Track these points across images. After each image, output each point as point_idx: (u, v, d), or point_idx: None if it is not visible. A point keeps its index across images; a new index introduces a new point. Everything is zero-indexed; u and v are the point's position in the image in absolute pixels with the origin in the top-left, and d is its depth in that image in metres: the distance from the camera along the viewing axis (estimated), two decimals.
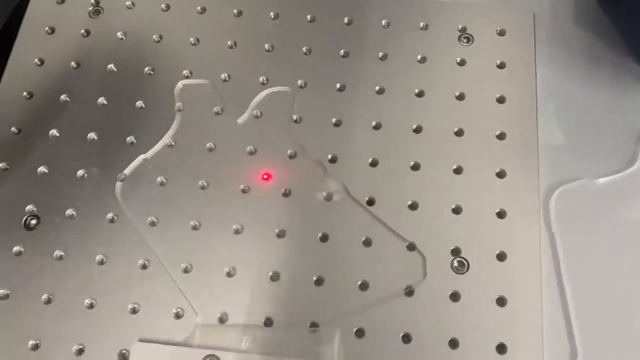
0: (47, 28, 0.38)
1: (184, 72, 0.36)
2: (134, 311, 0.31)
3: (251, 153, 0.34)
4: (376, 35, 0.37)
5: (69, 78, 0.37)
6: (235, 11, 0.38)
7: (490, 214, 0.33)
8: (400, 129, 0.35)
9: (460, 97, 0.35)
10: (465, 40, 0.37)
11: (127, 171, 0.34)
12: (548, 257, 0.33)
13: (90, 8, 0.38)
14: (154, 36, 0.37)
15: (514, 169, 0.34)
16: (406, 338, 0.30)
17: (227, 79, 0.36)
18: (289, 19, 0.38)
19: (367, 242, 0.32)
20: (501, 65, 0.36)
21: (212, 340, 0.30)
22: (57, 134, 0.35)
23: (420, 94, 0.36)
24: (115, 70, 0.37)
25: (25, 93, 0.36)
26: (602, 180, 0.34)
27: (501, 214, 0.33)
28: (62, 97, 0.36)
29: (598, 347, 0.31)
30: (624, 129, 0.36)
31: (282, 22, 0.38)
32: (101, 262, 0.32)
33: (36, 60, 0.37)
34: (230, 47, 0.37)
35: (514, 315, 0.31)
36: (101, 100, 0.36)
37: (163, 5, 0.38)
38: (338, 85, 0.36)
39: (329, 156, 0.34)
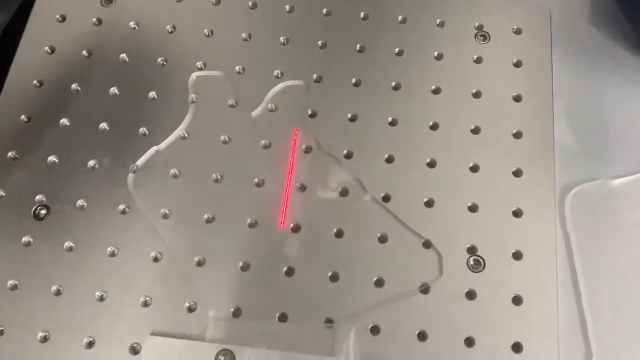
0: (58, 16, 0.37)
1: (198, 63, 0.36)
2: (145, 304, 0.31)
3: (266, 147, 0.34)
4: (392, 31, 0.37)
5: (80, 67, 0.36)
6: (250, 3, 0.38)
7: (507, 212, 0.33)
8: (417, 125, 0.35)
9: (477, 94, 0.35)
10: (482, 38, 0.37)
11: (139, 162, 0.33)
12: (563, 257, 0.33)
13: None
14: (168, 27, 0.37)
15: (530, 167, 0.33)
16: (422, 336, 0.30)
17: (242, 71, 0.36)
18: (304, 12, 0.37)
19: (383, 239, 0.32)
20: (517, 64, 0.36)
21: (225, 335, 0.30)
22: (68, 123, 0.34)
23: (436, 91, 0.35)
24: (127, 60, 0.36)
25: (35, 81, 0.35)
26: (617, 180, 0.34)
27: (517, 213, 0.33)
28: (73, 86, 0.35)
29: (613, 348, 0.31)
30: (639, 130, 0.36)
31: (297, 15, 0.37)
32: (112, 254, 0.32)
33: (46, 48, 0.36)
34: (245, 40, 0.37)
35: (529, 314, 0.31)
36: (113, 90, 0.35)
37: None
38: (354, 80, 0.36)
39: (345, 151, 0.34)
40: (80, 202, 0.33)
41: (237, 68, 0.36)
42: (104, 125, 0.34)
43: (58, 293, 0.31)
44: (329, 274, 0.31)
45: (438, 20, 0.37)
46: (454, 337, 0.30)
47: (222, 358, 0.29)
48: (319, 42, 0.37)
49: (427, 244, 0.32)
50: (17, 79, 0.35)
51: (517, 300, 0.31)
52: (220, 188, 0.33)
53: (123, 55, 0.36)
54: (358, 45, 0.36)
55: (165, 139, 0.34)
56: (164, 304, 0.31)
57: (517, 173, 0.33)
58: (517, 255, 0.32)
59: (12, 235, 0.32)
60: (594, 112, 0.36)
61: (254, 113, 0.35)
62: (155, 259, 0.31)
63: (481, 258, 0.32)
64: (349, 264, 0.31)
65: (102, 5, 0.38)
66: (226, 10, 0.37)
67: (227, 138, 0.34)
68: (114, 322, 0.30)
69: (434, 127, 0.34)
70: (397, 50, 0.36)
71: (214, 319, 0.30)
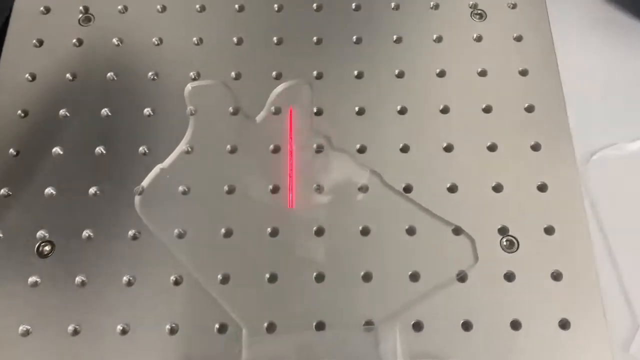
0: (34, 40, 0.35)
1: (191, 73, 0.34)
2: (172, 332, 0.29)
3: (274, 151, 0.33)
4: (387, 18, 0.36)
5: (65, 91, 0.34)
6: (237, 6, 0.36)
7: (531, 188, 0.32)
8: (427, 111, 0.33)
9: (482, 73, 0.34)
10: (478, 16, 0.36)
11: (144, 183, 0.32)
12: (593, 225, 0.32)
13: (80, 15, 0.36)
14: (154, 39, 0.35)
15: (547, 139, 0.33)
16: (466, 325, 0.29)
17: (238, 77, 0.34)
18: (293, 9, 0.36)
19: (411, 231, 0.31)
20: (518, 38, 0.35)
21: (262, 353, 0.28)
22: (61, 152, 0.32)
23: (441, 74, 0.34)
24: (115, 78, 0.34)
25: (19, 111, 0.33)
26: (634, 143, 0.33)
27: (542, 187, 0.32)
28: (61, 112, 0.33)
29: None
30: None
31: (287, 13, 0.36)
32: (129, 283, 0.30)
33: (27, 75, 0.34)
34: (237, 44, 0.35)
35: (571, 288, 0.30)
36: (105, 111, 0.33)
37: (158, 7, 0.36)
38: (355, 73, 0.34)
39: (357, 146, 0.33)
40: (86, 233, 0.30)
41: (232, 74, 0.34)
42: (100, 149, 0.32)
43: (76, 332, 0.29)
44: (361, 274, 0.30)
45: (432, 4, 0.36)
46: (499, 322, 0.29)
47: None
48: (314, 38, 0.35)
49: (458, 231, 0.31)
50: (0, 112, 0.33)
51: (556, 276, 0.30)
52: (234, 199, 0.31)
53: (110, 74, 0.34)
54: (354, 37, 0.35)
55: (168, 155, 0.32)
56: (193, 329, 0.29)
57: (536, 147, 0.33)
58: (549, 231, 0.31)
59: (17, 276, 0.29)
60: (605, 77, 0.36)
61: (258, 118, 0.33)
62: (176, 282, 0.30)
63: (514, 238, 0.31)
64: (380, 262, 0.30)
65: (81, 24, 0.36)
66: (213, 16, 0.36)
67: (232, 147, 0.32)
68: (142, 356, 0.28)
69: (445, 110, 0.33)
70: (395, 37, 0.35)
71: (247, 337, 0.28)
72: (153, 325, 0.29)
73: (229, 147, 0.32)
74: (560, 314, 0.29)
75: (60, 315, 0.29)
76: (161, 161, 0.32)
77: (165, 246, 0.30)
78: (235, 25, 0.36)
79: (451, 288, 0.30)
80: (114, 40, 0.35)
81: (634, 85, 0.35)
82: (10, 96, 0.34)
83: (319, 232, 0.31)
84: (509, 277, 0.30)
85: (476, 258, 0.30)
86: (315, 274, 0.30)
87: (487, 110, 0.33)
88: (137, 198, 0.31)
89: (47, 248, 0.30)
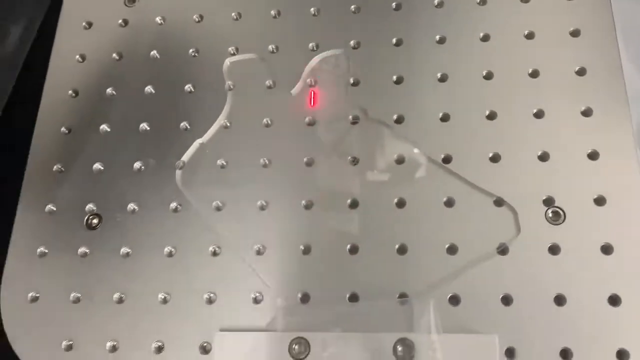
0: (84, 23, 0.36)
1: (230, 49, 0.34)
2: (210, 301, 0.29)
3: (310, 124, 0.32)
4: None
5: (112, 71, 0.35)
6: None
7: (581, 156, 0.30)
8: (469, 77, 0.32)
9: (530, 35, 0.32)
10: None
11: (185, 158, 0.32)
12: None
13: None
14: (194, 16, 0.36)
15: (600, 105, 0.31)
16: (506, 300, 0.28)
17: (275, 50, 0.34)
18: None
19: (449, 203, 0.30)
20: None
21: (296, 323, 0.28)
22: (109, 129, 0.34)
23: (485, 38, 0.33)
24: (158, 57, 0.35)
25: (70, 91, 0.35)
26: None
27: (593, 155, 0.30)
28: (108, 90, 0.34)
29: None
30: None
31: None
32: (170, 254, 0.31)
33: (77, 56, 0.36)
34: (274, 17, 0.35)
35: (622, 263, 0.28)
36: (148, 89, 0.34)
37: None
38: (394, 40, 0.33)
39: (395, 116, 0.32)
40: (131, 207, 0.32)
41: (270, 47, 0.34)
42: (144, 126, 0.33)
43: (121, 301, 0.30)
44: (396, 246, 0.29)
45: None
46: (543, 297, 0.28)
47: (296, 347, 0.28)
48: (352, 6, 0.34)
49: (499, 202, 0.29)
50: (53, 92, 0.35)
51: (606, 250, 0.28)
52: (270, 172, 0.32)
53: (154, 53, 0.35)
54: (394, 4, 0.34)
55: (207, 130, 0.33)
56: (229, 298, 0.29)
57: (587, 112, 0.31)
58: (599, 201, 0.29)
59: (68, 247, 0.31)
60: None
61: (294, 91, 0.33)
62: (214, 254, 0.30)
63: (560, 209, 0.29)
64: (416, 234, 0.29)
65: (126, 5, 0.37)
66: None
67: (269, 121, 0.33)
68: (181, 323, 0.29)
69: (488, 76, 0.32)
70: (436, 2, 0.34)
71: (282, 307, 0.29)
72: (192, 294, 0.30)
73: (265, 121, 0.33)
74: (609, 290, 0.28)
75: (107, 284, 0.30)
76: (201, 136, 0.33)
77: (204, 218, 0.31)
78: None
79: (491, 261, 0.29)
80: (157, 19, 0.36)
81: None
82: (63, 77, 0.35)
83: (353, 204, 0.30)
84: (554, 249, 0.28)
85: (518, 230, 0.29)
86: (349, 246, 0.30)
87: (534, 75, 0.32)
88: (178, 172, 0.32)
89: (95, 221, 0.32)
